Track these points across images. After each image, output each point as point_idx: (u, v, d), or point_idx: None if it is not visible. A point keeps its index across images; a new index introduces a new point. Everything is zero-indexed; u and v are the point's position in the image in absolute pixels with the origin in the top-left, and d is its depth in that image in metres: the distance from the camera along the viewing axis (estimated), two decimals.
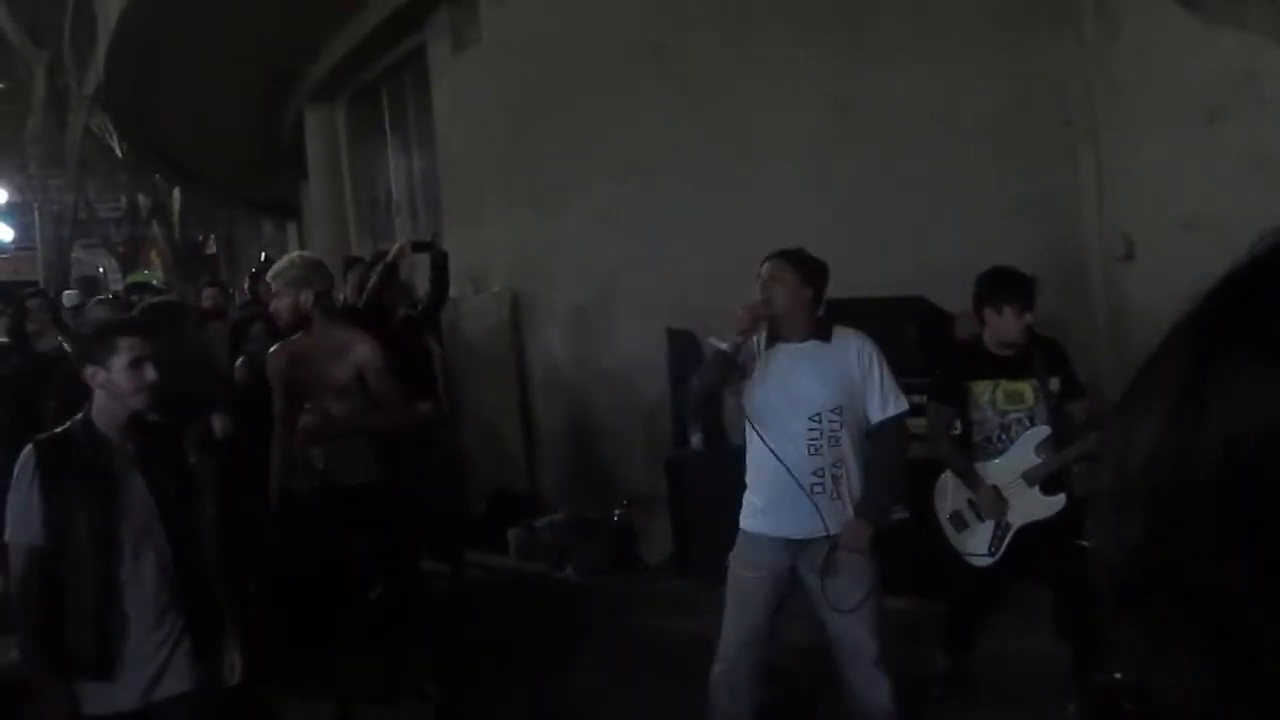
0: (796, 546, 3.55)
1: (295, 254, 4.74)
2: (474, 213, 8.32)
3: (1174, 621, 0.44)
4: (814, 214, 5.89)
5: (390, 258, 5.89)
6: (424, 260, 6.37)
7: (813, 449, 3.49)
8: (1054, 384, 4.04)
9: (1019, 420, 4.07)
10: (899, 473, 3.72)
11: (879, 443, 3.60)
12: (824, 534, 3.50)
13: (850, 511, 3.53)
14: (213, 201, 24.75)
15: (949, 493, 4.20)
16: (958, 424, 4.19)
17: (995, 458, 4.09)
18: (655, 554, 6.09)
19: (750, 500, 3.65)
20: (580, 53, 7.13)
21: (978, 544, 4.11)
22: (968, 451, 4.14)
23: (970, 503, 4.13)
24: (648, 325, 6.29)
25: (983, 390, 4.10)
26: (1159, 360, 0.47)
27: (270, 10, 9.34)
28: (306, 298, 4.20)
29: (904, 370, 4.98)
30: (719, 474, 4.54)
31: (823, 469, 3.50)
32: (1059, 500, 3.97)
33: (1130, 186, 5.11)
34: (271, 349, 4.50)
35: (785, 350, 3.57)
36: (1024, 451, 4.03)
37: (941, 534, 4.22)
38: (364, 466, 4.25)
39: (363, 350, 4.22)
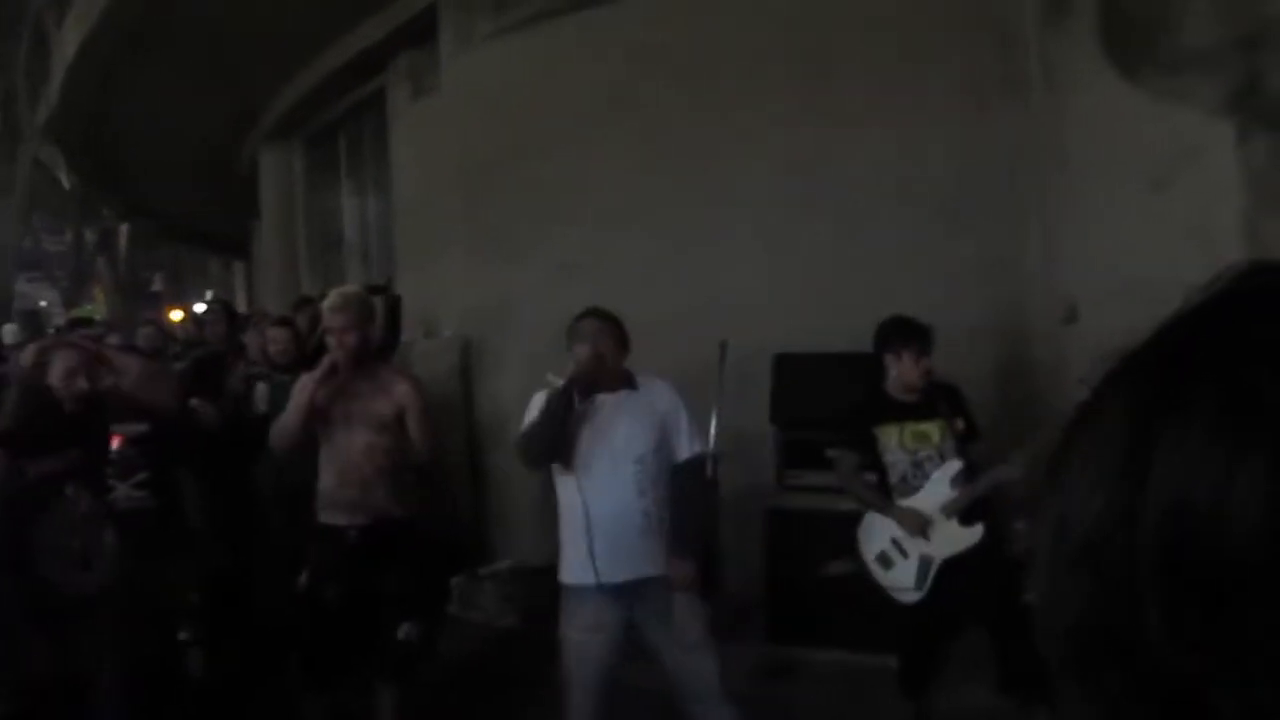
0: (631, 590, 3.67)
1: (349, 289, 4.60)
2: (428, 258, 8.31)
3: (1122, 693, 0.43)
4: (772, 270, 5.98)
5: None
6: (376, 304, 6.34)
7: (640, 490, 3.68)
8: (959, 424, 4.20)
9: (930, 458, 4.18)
10: (704, 506, 3.90)
11: (686, 479, 3.79)
12: (657, 573, 3.66)
13: (670, 549, 3.69)
14: (161, 237, 24.48)
15: (873, 533, 4.27)
16: (869, 472, 4.29)
17: (912, 495, 4.19)
18: None
19: (574, 553, 3.74)
20: (540, 104, 7.18)
21: (904, 580, 4.17)
22: (886, 494, 4.25)
23: (895, 541, 4.21)
24: None
25: (890, 434, 4.22)
26: (1092, 419, 0.47)
27: (231, 49, 9.34)
28: (373, 333, 4.22)
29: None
30: None
31: (649, 510, 3.69)
32: (977, 531, 4.07)
33: (1075, 253, 5.24)
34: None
35: (604, 401, 3.75)
36: (939, 486, 4.14)
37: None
38: (407, 501, 4.27)
39: (405, 389, 4.27)
